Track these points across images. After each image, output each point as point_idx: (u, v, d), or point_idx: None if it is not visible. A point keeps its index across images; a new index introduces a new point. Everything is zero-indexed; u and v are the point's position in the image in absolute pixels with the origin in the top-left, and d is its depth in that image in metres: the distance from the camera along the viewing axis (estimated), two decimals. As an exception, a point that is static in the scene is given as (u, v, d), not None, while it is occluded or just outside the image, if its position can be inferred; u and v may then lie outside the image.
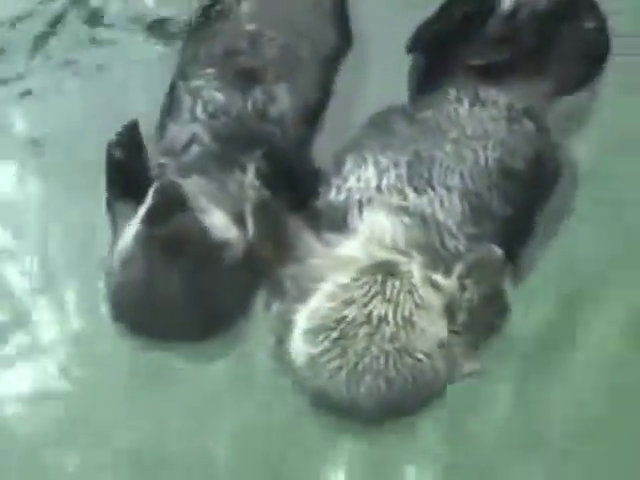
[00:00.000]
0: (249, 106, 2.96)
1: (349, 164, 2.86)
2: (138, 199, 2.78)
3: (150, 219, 2.67)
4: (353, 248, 2.68)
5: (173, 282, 2.66)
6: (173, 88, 3.11)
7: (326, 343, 2.47)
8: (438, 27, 3.13)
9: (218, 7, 3.20)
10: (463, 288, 2.56)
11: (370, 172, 2.81)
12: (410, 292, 2.48)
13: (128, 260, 2.72)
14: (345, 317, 2.47)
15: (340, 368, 2.46)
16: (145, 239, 2.68)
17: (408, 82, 3.15)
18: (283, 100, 2.98)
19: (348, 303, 2.49)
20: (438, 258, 2.64)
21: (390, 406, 2.48)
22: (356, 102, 3.12)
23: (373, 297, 2.48)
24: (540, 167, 2.83)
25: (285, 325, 2.63)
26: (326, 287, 2.57)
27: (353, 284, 2.51)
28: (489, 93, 2.97)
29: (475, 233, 2.69)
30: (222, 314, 2.73)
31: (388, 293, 2.48)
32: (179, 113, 3.02)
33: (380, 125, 2.98)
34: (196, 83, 3.05)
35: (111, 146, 2.88)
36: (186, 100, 3.03)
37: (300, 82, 3.03)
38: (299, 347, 2.54)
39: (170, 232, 2.66)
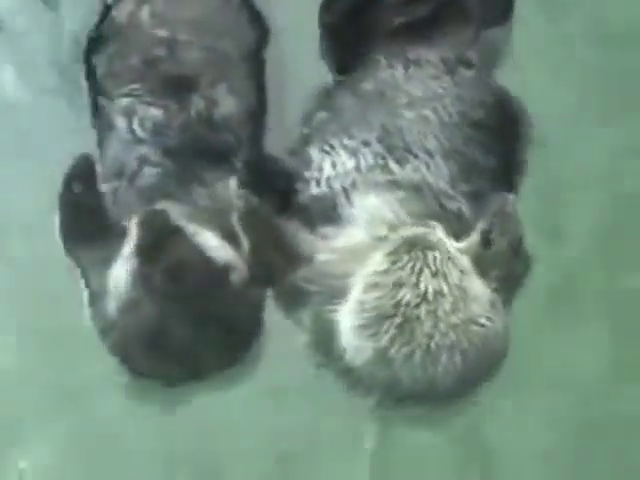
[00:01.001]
0: (193, 115, 2.75)
1: (316, 154, 2.74)
2: (101, 240, 2.59)
3: (145, 255, 2.48)
4: (358, 235, 2.56)
5: (187, 317, 2.48)
6: (98, 110, 2.84)
7: (392, 331, 2.35)
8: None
9: (117, 16, 2.92)
10: (488, 244, 2.50)
11: (343, 156, 2.70)
12: (451, 259, 2.42)
13: (129, 305, 2.49)
14: (400, 301, 2.37)
15: (412, 353, 2.36)
16: (144, 277, 2.47)
17: (328, 60, 3.00)
18: (226, 103, 2.80)
19: (398, 287, 2.37)
20: (444, 222, 2.56)
21: (467, 381, 2.42)
22: (287, 93, 2.97)
23: (420, 274, 2.39)
24: (500, 110, 2.79)
25: (324, 330, 2.47)
26: (362, 279, 2.43)
27: (393, 267, 2.40)
28: (419, 52, 2.90)
29: (470, 190, 2.64)
30: (241, 339, 2.58)
31: (433, 266, 2.39)
32: (117, 136, 2.77)
33: (325, 108, 2.86)
34: (125, 101, 2.80)
35: (66, 183, 2.64)
36: (119, 121, 2.78)
37: (236, 81, 2.84)
38: (357, 344, 2.40)
39: (171, 264, 2.47)
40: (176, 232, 2.50)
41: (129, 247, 2.51)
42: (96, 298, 2.58)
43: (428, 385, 2.38)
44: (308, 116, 2.86)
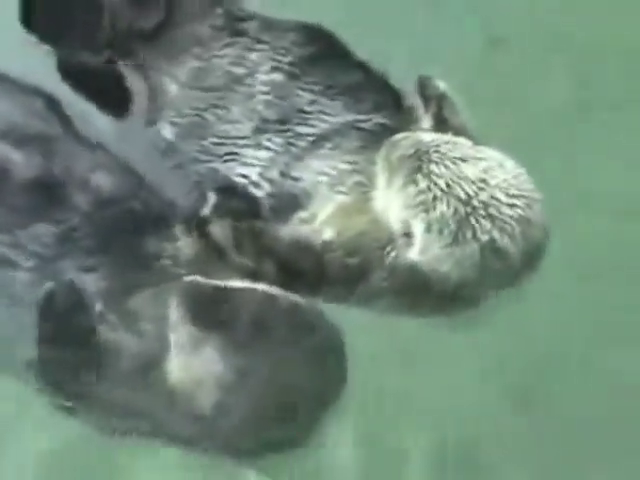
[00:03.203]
0: (86, 209, 2.41)
1: (225, 169, 2.57)
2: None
3: (221, 325, 2.23)
4: (337, 197, 2.46)
5: (298, 365, 2.27)
6: None
7: (484, 224, 2.30)
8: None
9: None
10: (444, 122, 2.54)
11: (252, 153, 2.57)
12: (454, 142, 2.41)
13: (236, 386, 2.22)
14: (467, 197, 2.31)
15: (513, 229, 2.32)
16: (239, 346, 2.22)
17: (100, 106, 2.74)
18: (102, 180, 2.47)
19: (452, 189, 2.32)
20: (382, 140, 2.51)
21: (547, 231, 2.42)
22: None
23: (457, 166, 2.34)
24: (312, 36, 2.72)
25: (409, 280, 2.39)
26: (408, 208, 2.35)
27: (432, 178, 2.33)
28: (190, 36, 2.73)
29: (370, 106, 2.61)
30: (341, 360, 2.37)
31: (456, 154, 2.37)
32: (22, 268, 2.36)
33: (172, 130, 2.63)
34: None
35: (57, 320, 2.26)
36: (11, 254, 2.34)
37: (83, 155, 2.51)
38: (457, 258, 2.32)
39: (254, 318, 2.25)
40: (221, 290, 2.24)
41: (186, 331, 2.20)
42: (160, 410, 2.23)
43: (535, 249, 2.37)
44: (170, 147, 2.62)
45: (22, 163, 2.40)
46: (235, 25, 2.71)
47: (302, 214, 2.45)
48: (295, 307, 2.27)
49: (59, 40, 2.71)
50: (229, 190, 2.49)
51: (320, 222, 2.43)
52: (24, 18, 2.70)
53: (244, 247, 2.41)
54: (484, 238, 2.28)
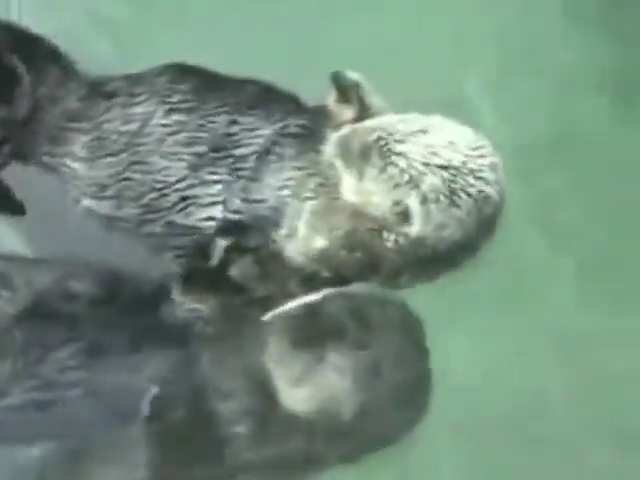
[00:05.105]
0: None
1: (184, 220, 2.52)
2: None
3: (331, 340, 2.24)
4: (309, 203, 2.51)
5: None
6: None
7: (469, 181, 2.44)
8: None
9: None
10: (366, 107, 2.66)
11: (204, 192, 2.52)
12: (405, 119, 2.53)
13: None
14: (447, 161, 2.42)
15: (490, 178, 2.47)
16: None
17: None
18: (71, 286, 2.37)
19: (429, 160, 2.43)
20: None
21: None
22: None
23: (419, 139, 2.46)
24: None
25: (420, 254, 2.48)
26: (401, 190, 2.43)
27: (408, 156, 2.44)
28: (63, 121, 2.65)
29: (279, 111, 2.62)
30: None
31: (414, 127, 2.48)
32: None
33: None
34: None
35: None
36: None
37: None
38: (464, 213, 2.44)
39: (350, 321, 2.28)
40: (311, 307, 2.29)
41: (296, 361, 2.20)
42: (300, 446, 2.21)
43: (504, 188, 2.52)
44: (109, 220, 2.57)
45: None
46: (102, 89, 2.63)
47: (282, 231, 2.46)
48: (373, 296, 2.33)
49: None
50: (235, 228, 2.43)
51: (304, 233, 2.45)
52: None
53: (270, 275, 2.38)
54: (474, 192, 2.42)
